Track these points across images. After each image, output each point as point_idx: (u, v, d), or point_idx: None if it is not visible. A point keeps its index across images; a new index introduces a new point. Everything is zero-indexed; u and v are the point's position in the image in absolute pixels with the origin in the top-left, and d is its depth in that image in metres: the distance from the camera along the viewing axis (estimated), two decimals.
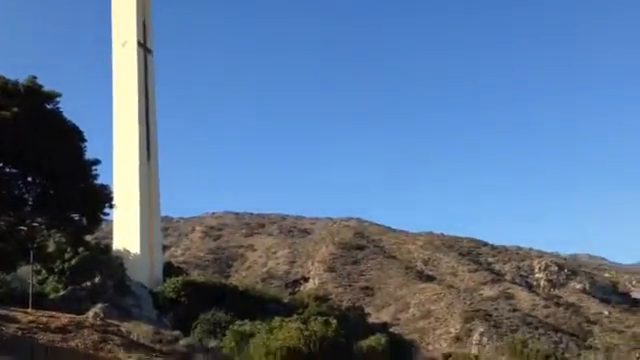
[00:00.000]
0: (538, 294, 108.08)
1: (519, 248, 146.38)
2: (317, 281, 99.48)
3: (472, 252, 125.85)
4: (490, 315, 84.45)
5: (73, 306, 30.99)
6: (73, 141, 32.78)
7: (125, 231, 47.07)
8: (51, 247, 36.02)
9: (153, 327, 28.69)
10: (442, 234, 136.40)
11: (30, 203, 32.21)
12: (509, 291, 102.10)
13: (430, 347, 75.16)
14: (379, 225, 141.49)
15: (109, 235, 50.43)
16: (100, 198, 34.31)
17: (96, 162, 34.60)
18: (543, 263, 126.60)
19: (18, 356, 20.16)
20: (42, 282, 36.58)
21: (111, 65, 51.52)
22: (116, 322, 28.14)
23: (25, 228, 33.18)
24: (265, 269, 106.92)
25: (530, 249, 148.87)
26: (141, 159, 48.15)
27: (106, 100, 51.47)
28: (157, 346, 25.88)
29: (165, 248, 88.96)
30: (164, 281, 45.34)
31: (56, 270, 36.65)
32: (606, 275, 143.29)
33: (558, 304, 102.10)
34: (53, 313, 27.02)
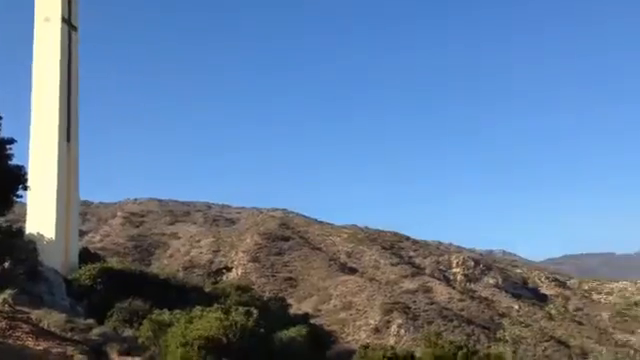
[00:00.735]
0: (454, 288, 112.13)
1: (440, 243, 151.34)
2: (240, 271, 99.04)
3: (394, 246, 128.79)
4: (409, 307, 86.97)
5: None
6: None
7: (40, 214, 44.99)
8: None
9: (65, 315, 27.48)
10: (366, 227, 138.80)
11: None
12: (428, 284, 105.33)
13: (349, 338, 76.61)
14: (305, 217, 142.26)
15: (22, 218, 48.10)
16: (13, 179, 32.64)
17: (11, 141, 32.82)
18: (461, 258, 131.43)
19: None
20: None
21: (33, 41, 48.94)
22: (26, 309, 26.85)
23: None
24: (188, 258, 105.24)
25: (450, 244, 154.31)
26: (60, 140, 46.08)
27: (26, 79, 48.79)
28: (69, 335, 24.87)
29: (82, 234, 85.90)
30: (80, 268, 43.70)
31: None
32: (518, 271, 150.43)
33: (472, 298, 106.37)
34: None
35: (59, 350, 22.13)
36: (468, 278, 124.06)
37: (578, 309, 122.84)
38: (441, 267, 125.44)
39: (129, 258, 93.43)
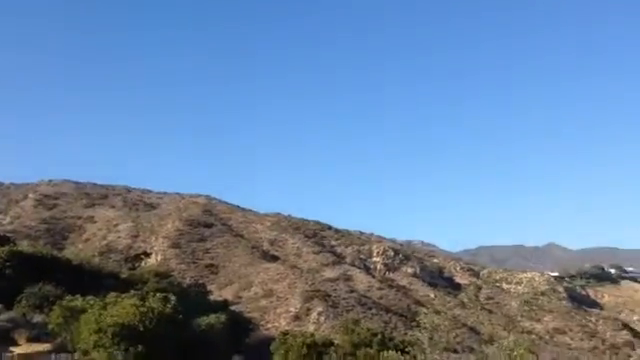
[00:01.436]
0: (374, 277, 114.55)
1: (361, 233, 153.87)
2: (160, 257, 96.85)
3: (317, 235, 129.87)
4: (329, 295, 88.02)
5: None
6: None
7: None
8: None
9: None
10: (289, 216, 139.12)
11: None
12: (348, 273, 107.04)
13: (270, 325, 76.69)
14: (228, 204, 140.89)
15: None
16: None
17: None
18: (381, 248, 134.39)
19: None
20: None
21: None
22: None
23: None
24: (105, 242, 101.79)
25: (371, 234, 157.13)
26: None
27: None
28: None
29: None
30: None
31: None
32: (435, 261, 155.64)
33: (391, 286, 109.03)
34: None
35: None
36: (388, 267, 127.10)
37: (489, 298, 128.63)
38: (362, 256, 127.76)
39: (41, 241, 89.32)
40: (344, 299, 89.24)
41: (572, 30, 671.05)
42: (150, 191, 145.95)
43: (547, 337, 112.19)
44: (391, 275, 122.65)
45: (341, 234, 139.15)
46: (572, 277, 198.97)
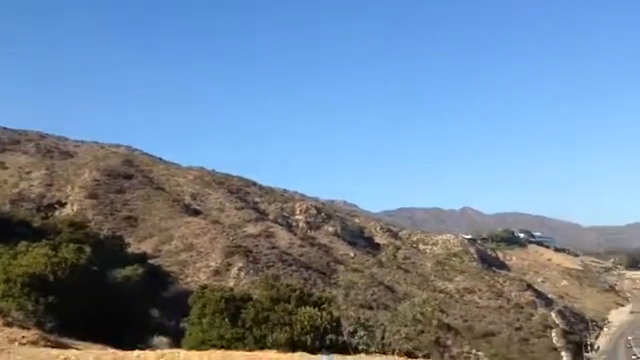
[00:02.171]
0: (296, 234, 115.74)
1: (285, 190, 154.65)
2: (76, 207, 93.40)
3: (241, 190, 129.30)
4: (250, 251, 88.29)
5: None
6: None
7: None
8: None
9: None
10: (213, 171, 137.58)
11: None
12: (271, 230, 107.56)
13: (189, 279, 76.15)
14: (150, 155, 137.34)
15: None
16: None
17: None
18: (304, 206, 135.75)
19: None
20: None
21: None
22: None
23: None
24: (16, 190, 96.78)
25: (295, 192, 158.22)
26: None
27: None
28: None
29: None
30: None
31: None
32: (356, 221, 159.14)
33: (312, 244, 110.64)
34: None
35: None
36: (310, 225, 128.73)
37: (406, 258, 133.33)
38: (285, 214, 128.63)
39: None
40: (265, 255, 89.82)
41: None
42: (67, 139, 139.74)
43: (457, 296, 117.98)
44: (313, 233, 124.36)
45: (265, 191, 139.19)
46: (484, 240, 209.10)
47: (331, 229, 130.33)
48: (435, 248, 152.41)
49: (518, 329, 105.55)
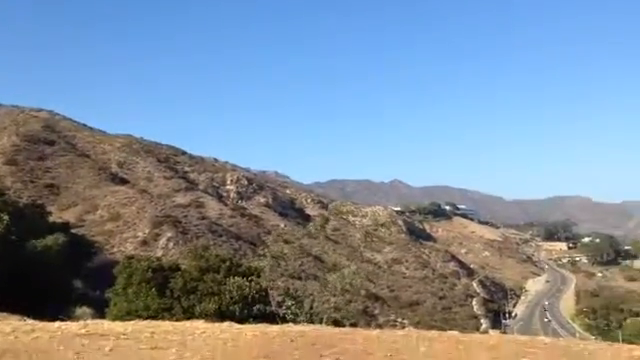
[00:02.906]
0: (227, 205, 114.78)
1: (216, 160, 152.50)
2: None
3: (170, 159, 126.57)
4: (179, 221, 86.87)
5: None
6: None
7: None
8: None
9: None
10: (142, 138, 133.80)
11: None
12: (200, 200, 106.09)
13: (115, 250, 74.23)
14: (74, 121, 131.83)
15: None
16: None
17: None
18: (235, 176, 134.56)
19: None
20: None
21: None
22: None
23: None
24: None
25: (226, 162, 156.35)
26: None
27: None
28: None
29: None
30: None
31: None
32: (287, 192, 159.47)
33: (243, 215, 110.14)
34: None
35: None
36: (240, 196, 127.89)
37: (336, 229, 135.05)
38: (215, 184, 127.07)
39: None
40: (195, 226, 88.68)
41: None
42: None
43: (385, 267, 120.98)
44: (243, 204, 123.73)
45: (195, 160, 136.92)
46: (412, 212, 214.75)
47: (262, 200, 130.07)
48: (364, 220, 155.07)
49: (442, 298, 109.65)
